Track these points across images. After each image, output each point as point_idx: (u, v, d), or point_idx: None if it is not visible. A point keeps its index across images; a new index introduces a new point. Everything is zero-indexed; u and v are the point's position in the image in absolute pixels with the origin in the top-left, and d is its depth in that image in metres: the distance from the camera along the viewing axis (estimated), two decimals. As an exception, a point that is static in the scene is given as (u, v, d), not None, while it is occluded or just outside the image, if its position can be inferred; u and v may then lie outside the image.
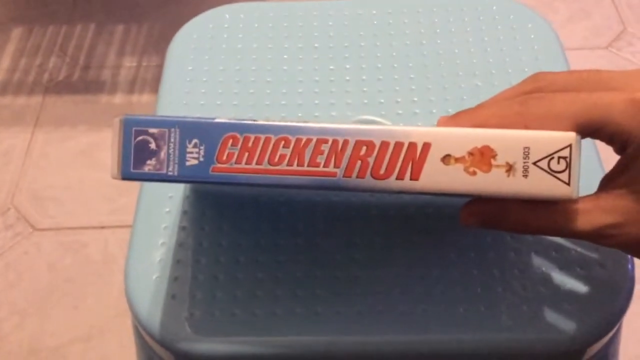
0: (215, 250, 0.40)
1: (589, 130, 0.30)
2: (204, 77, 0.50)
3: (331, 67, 0.50)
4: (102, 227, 1.05)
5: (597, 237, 0.31)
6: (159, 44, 1.30)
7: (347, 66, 0.50)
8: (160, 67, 1.26)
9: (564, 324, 0.37)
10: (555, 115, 0.30)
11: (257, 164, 0.30)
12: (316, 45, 0.51)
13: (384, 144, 0.30)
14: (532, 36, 0.51)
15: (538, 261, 0.39)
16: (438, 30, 0.52)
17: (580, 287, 0.38)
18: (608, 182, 0.31)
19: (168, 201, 0.42)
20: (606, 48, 1.27)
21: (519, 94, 0.33)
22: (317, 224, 0.40)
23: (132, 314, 0.39)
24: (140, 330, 0.39)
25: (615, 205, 0.30)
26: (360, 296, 0.38)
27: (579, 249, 0.39)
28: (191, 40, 0.52)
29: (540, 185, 0.29)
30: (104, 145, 1.15)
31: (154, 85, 1.23)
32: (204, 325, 0.37)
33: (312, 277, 0.39)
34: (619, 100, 0.30)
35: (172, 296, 0.38)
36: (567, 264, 0.39)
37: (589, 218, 0.30)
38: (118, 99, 1.23)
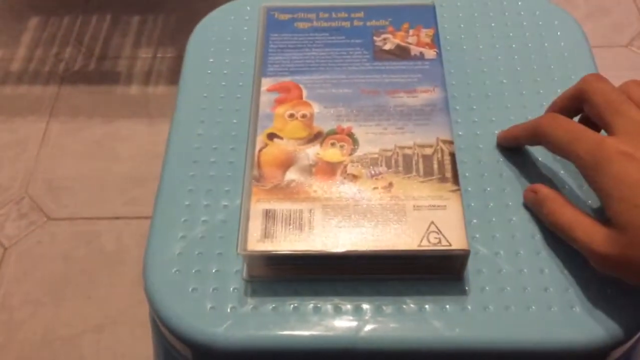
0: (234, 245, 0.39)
1: None
2: (225, 69, 0.49)
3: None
4: (116, 218, 1.05)
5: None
6: (175, 35, 1.30)
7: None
8: (176, 58, 1.26)
9: (587, 327, 0.36)
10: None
11: None
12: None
13: None
14: (559, 33, 0.50)
15: (564, 264, 0.38)
16: (462, 26, 0.51)
17: (605, 291, 0.37)
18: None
19: (188, 194, 0.42)
20: (626, 46, 1.25)
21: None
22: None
23: (150, 307, 0.39)
24: (159, 323, 0.39)
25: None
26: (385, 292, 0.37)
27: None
28: (212, 33, 0.52)
29: None
30: (119, 136, 1.15)
31: (170, 76, 1.22)
32: (225, 320, 0.36)
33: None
34: None
35: (193, 290, 0.38)
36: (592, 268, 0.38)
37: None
38: (134, 90, 1.22)
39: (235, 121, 0.46)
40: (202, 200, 0.42)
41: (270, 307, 0.37)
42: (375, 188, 0.38)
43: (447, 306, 0.37)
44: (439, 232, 0.36)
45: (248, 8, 0.53)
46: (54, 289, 0.98)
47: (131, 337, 0.93)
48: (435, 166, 0.39)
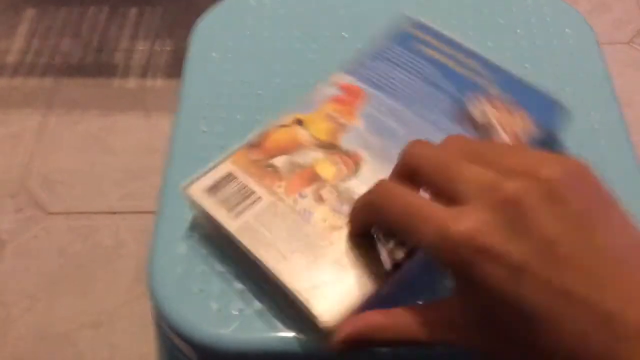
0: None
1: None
2: (229, 64, 0.48)
3: (360, 57, 0.48)
4: (113, 213, 1.04)
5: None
6: (173, 28, 1.29)
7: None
8: (174, 51, 1.24)
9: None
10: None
11: None
12: (344, 34, 0.50)
13: None
14: (567, 30, 0.50)
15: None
16: (470, 22, 0.50)
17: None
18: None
19: (192, 192, 0.41)
20: (628, 43, 1.25)
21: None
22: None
23: (154, 308, 0.38)
24: (163, 324, 0.38)
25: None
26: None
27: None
28: (215, 26, 0.51)
29: None
30: (116, 130, 1.14)
31: (167, 70, 1.21)
32: (232, 322, 0.36)
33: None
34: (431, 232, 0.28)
35: (199, 291, 0.37)
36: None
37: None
38: (131, 83, 1.21)
39: (239, 117, 0.45)
40: (207, 198, 0.41)
41: (279, 308, 0.36)
42: (324, 220, 0.36)
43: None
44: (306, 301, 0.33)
45: (252, 2, 0.52)
46: (50, 284, 0.97)
47: (128, 333, 0.92)
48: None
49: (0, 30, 1.30)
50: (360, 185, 0.38)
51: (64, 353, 0.90)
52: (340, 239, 0.36)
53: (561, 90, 0.43)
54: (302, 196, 0.37)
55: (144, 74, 1.22)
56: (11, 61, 1.25)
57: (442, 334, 0.29)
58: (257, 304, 0.36)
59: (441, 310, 0.30)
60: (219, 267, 0.38)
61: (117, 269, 0.98)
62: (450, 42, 0.44)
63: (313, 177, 0.38)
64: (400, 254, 0.34)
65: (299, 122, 0.41)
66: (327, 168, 0.39)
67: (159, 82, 1.21)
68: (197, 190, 0.38)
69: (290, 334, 0.35)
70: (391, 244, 0.35)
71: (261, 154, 0.39)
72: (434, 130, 0.40)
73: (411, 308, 0.30)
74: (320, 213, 0.37)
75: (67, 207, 1.05)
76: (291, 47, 0.49)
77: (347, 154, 0.39)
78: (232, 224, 0.36)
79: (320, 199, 0.37)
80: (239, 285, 0.37)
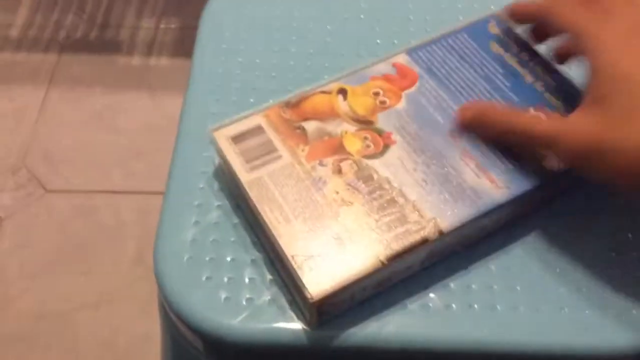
0: (252, 231, 0.37)
1: None
2: (241, 45, 0.47)
3: (378, 41, 0.47)
4: (115, 192, 1.03)
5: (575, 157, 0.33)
6: (180, 5, 1.26)
7: (395, 41, 0.47)
8: (180, 29, 1.22)
9: (618, 332, 0.34)
10: None
11: None
12: (362, 16, 0.48)
13: None
14: None
15: (600, 266, 0.37)
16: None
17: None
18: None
19: (201, 177, 0.40)
20: None
21: None
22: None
23: (160, 296, 0.37)
24: (169, 311, 0.37)
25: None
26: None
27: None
28: (228, 5, 0.49)
29: None
30: (119, 108, 1.13)
31: (173, 48, 1.19)
32: (241, 312, 0.34)
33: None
34: None
35: (206, 279, 0.36)
36: (627, 270, 0.36)
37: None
38: (136, 60, 1.19)
39: (252, 100, 0.43)
40: (216, 183, 0.39)
41: (289, 299, 0.35)
42: (337, 192, 0.36)
43: (476, 305, 0.35)
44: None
45: (266, -20, 0.51)
46: (50, 263, 0.96)
47: (128, 315, 0.91)
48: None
49: (3, 3, 1.28)
50: (381, 167, 0.37)
51: (62, 333, 0.89)
52: (347, 214, 0.35)
53: None
54: (322, 164, 0.37)
55: (149, 52, 1.20)
56: (14, 35, 1.23)
57: (555, 126, 0.33)
58: (267, 295, 0.35)
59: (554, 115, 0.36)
60: (228, 255, 0.37)
61: (117, 249, 0.97)
62: (532, 53, 0.42)
63: (338, 148, 0.38)
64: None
65: (342, 92, 0.40)
66: (354, 142, 0.38)
67: (164, 61, 1.19)
68: (222, 136, 0.38)
69: (300, 326, 0.34)
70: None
71: (294, 114, 0.39)
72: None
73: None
74: (335, 185, 0.36)
75: (68, 185, 1.04)
76: (307, 27, 0.47)
77: (379, 133, 0.38)
78: (245, 175, 0.36)
79: (338, 171, 0.37)
80: (248, 275, 0.36)
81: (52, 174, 1.05)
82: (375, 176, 0.36)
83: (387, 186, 0.36)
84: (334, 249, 0.34)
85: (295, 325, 0.34)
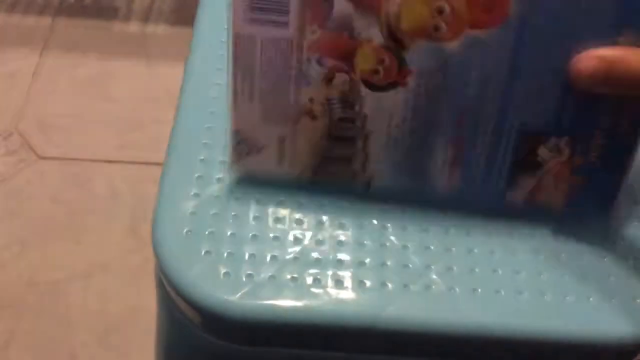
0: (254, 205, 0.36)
1: None
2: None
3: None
4: (109, 162, 1.01)
5: None
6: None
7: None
8: (179, -3, 1.20)
9: (623, 322, 0.34)
10: None
11: None
12: None
13: None
14: None
15: (604, 253, 0.36)
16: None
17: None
18: None
19: (203, 148, 0.39)
20: None
21: None
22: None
23: (157, 268, 0.36)
24: (166, 285, 0.36)
25: None
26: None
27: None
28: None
29: None
30: (115, 75, 1.11)
31: (171, 16, 1.17)
32: (240, 288, 0.34)
33: (361, 245, 0.35)
34: None
35: (205, 253, 0.35)
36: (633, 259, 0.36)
37: None
38: (132, 27, 1.17)
39: (255, 71, 0.42)
40: (218, 155, 0.38)
41: (290, 276, 0.34)
42: (310, 100, 0.33)
43: (479, 289, 0.34)
44: None
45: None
46: (42, 231, 0.94)
47: (120, 286, 0.90)
48: None
49: (-3, -37, 1.25)
50: (370, 101, 0.32)
51: (53, 302, 0.89)
52: (304, 127, 0.33)
53: None
54: (320, 63, 0.32)
55: (146, 18, 1.18)
56: (7, -3, 1.20)
57: None
58: (267, 271, 0.34)
59: None
60: (228, 229, 0.36)
61: (111, 219, 0.96)
62: None
63: (346, 55, 0.32)
64: None
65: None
66: (367, 59, 0.32)
67: (162, 28, 1.17)
68: None
69: (300, 303, 0.34)
70: None
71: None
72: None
73: None
74: (315, 92, 0.32)
75: (61, 153, 1.02)
76: None
77: (400, 64, 0.32)
78: (239, 25, 0.32)
79: (329, 80, 0.32)
80: (248, 250, 0.35)
81: (45, 140, 1.03)
82: (356, 107, 0.32)
83: (358, 123, 0.33)
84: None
85: (295, 303, 0.34)
